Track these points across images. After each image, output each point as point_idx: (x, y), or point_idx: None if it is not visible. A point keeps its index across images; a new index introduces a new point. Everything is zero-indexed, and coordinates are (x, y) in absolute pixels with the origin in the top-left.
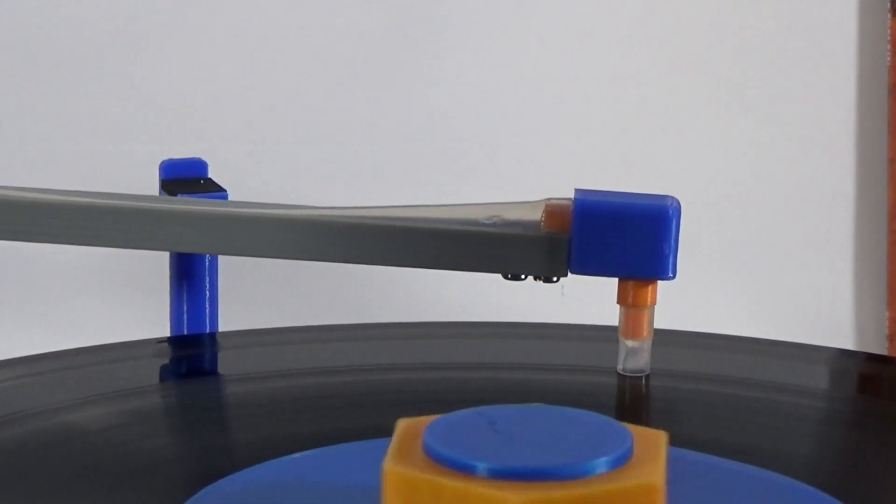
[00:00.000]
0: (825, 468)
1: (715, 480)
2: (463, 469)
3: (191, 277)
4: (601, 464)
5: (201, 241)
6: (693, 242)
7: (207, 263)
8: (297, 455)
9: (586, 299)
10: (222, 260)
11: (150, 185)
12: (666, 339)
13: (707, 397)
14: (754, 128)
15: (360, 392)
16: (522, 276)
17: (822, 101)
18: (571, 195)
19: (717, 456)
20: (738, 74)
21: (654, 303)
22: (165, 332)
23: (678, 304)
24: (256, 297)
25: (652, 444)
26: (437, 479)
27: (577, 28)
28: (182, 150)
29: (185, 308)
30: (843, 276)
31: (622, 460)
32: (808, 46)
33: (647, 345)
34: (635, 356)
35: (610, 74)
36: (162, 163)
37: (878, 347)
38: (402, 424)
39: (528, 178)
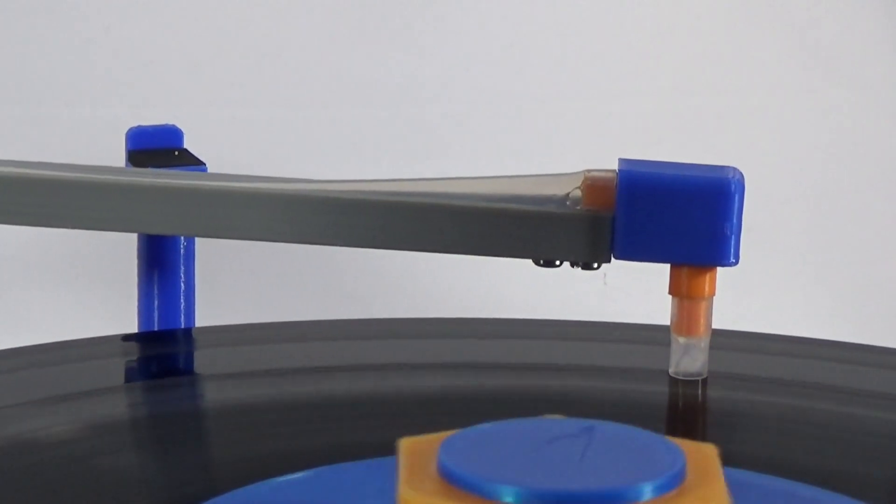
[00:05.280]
0: None
1: None
2: (487, 494)
3: (163, 265)
4: (648, 489)
5: (175, 220)
6: (760, 225)
7: (182, 249)
8: (289, 477)
9: (632, 290)
10: (199, 244)
11: (115, 156)
12: (726, 341)
13: (776, 409)
14: (833, 89)
15: (362, 400)
16: (557, 263)
17: None
18: (615, 166)
19: (788, 479)
20: (814, 25)
21: (712, 294)
22: (132, 328)
23: (742, 300)
24: (239, 288)
25: (704, 460)
26: None
27: None
28: (153, 116)
29: (155, 302)
30: None
31: (672, 484)
32: None
33: (705, 343)
34: (690, 356)
35: (660, 24)
36: (129, 130)
37: None
38: (405, 444)
39: (564, 147)
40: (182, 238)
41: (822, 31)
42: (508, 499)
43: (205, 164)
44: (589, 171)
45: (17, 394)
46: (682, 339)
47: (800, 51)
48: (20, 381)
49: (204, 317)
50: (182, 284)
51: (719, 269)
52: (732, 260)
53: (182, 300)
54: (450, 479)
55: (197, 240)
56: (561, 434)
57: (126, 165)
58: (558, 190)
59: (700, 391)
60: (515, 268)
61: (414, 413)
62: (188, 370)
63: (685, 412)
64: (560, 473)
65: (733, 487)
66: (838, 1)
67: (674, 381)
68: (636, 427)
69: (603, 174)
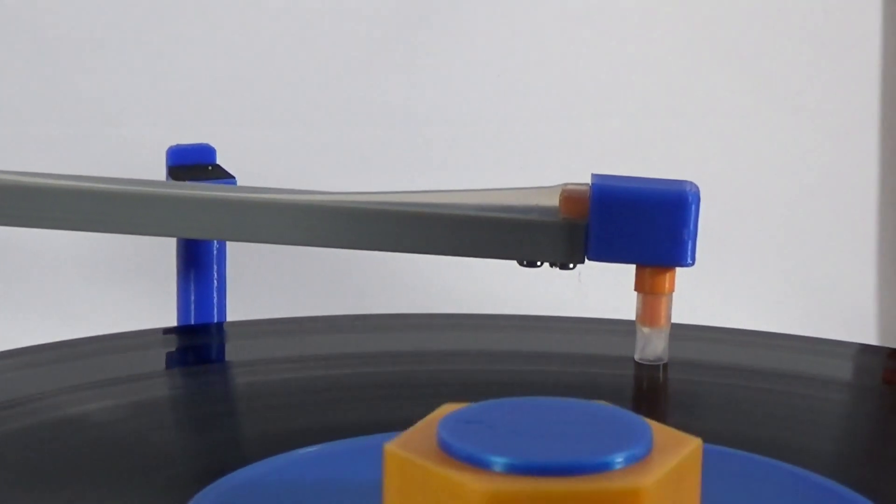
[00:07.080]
0: (845, 462)
1: (732, 475)
2: (475, 462)
3: (198, 265)
4: (619, 458)
5: (209, 226)
6: (713, 233)
7: (215, 251)
8: (307, 450)
9: (603, 287)
10: (230, 247)
11: (156, 171)
12: (684, 332)
13: (726, 390)
14: (777, 114)
15: (372, 384)
16: (539, 263)
17: (846, 87)
18: (588, 180)
19: (735, 449)
20: (761, 59)
21: (672, 290)
22: (172, 321)
23: (697, 299)
24: (265, 286)
25: (675, 445)
26: (425, 464)
27: (596, 8)
28: (189, 136)
29: (192, 297)
30: (866, 268)
31: (641, 454)
32: (833, 30)
33: (665, 333)
34: (652, 344)
35: (628, 58)
36: (169, 148)
37: None
38: (389, 448)
39: (545, 164)
40: (215, 242)
41: (768, 63)
42: (500, 468)
43: (235, 178)
44: (566, 184)
45: (73, 378)
46: (645, 329)
47: (749, 81)
48: (76, 368)
49: (234, 309)
50: (215, 281)
51: (678, 268)
52: (689, 261)
53: (215, 294)
54: (448, 451)
55: (227, 243)
56: (547, 411)
57: (167, 179)
58: (540, 201)
59: (661, 374)
60: (502, 268)
61: (414, 395)
62: (219, 358)
63: (648, 392)
64: (544, 445)
65: None
66: (781, 38)
67: (638, 366)
68: (613, 405)
69: (578, 187)
